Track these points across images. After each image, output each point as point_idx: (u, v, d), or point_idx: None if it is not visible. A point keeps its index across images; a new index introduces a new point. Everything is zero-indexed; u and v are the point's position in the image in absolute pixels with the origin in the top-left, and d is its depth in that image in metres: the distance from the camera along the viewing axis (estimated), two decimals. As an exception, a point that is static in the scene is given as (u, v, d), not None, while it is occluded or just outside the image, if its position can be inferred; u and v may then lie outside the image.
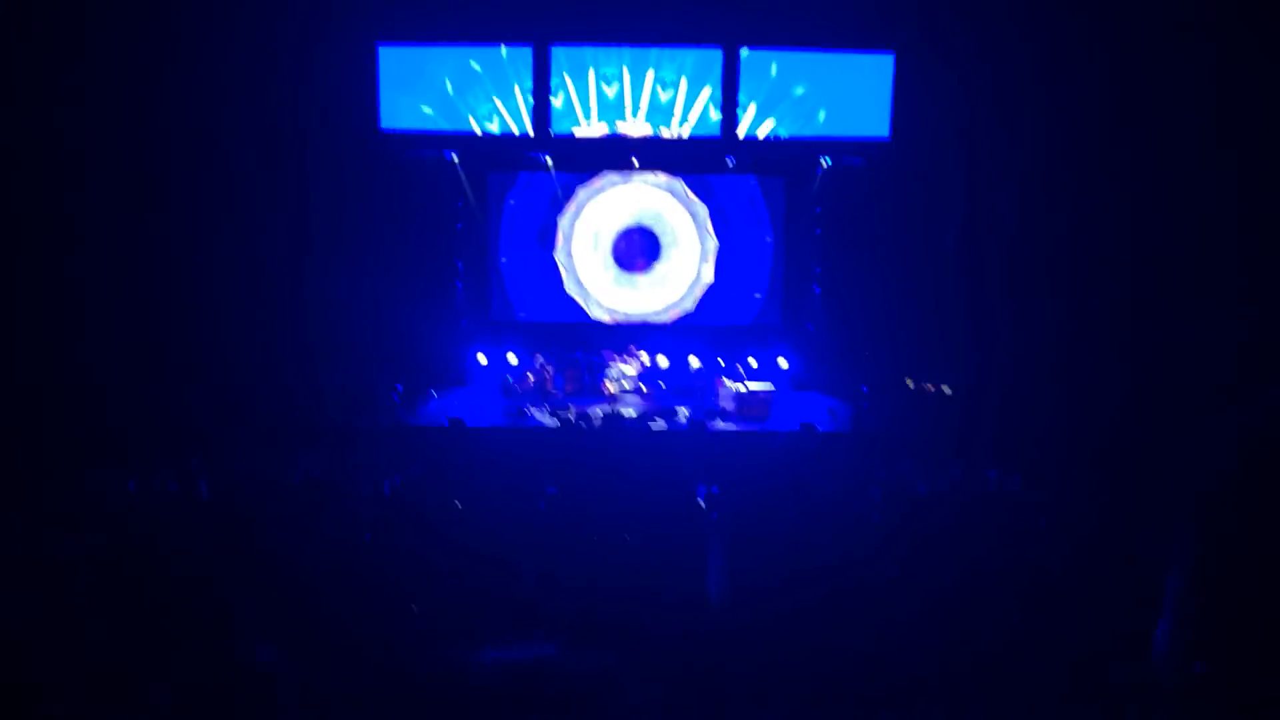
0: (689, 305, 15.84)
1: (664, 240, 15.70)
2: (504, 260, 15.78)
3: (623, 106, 14.34)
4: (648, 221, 15.68)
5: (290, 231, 13.74)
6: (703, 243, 15.67)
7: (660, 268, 15.78)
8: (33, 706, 2.17)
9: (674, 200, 15.61)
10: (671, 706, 3.12)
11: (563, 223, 15.62)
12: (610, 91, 14.29)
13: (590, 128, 14.42)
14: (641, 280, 15.83)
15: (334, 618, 4.38)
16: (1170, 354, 11.50)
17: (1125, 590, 4.07)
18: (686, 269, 15.78)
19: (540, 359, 14.69)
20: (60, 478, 7.42)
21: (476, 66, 14.15)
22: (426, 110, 14.23)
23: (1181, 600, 0.91)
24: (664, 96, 14.28)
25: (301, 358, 13.01)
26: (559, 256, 15.74)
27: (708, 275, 15.77)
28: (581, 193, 15.54)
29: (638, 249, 15.74)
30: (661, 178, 15.49)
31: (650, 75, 14.21)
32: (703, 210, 15.58)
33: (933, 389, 13.21)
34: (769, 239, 15.67)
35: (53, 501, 6.43)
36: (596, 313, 15.86)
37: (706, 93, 14.18)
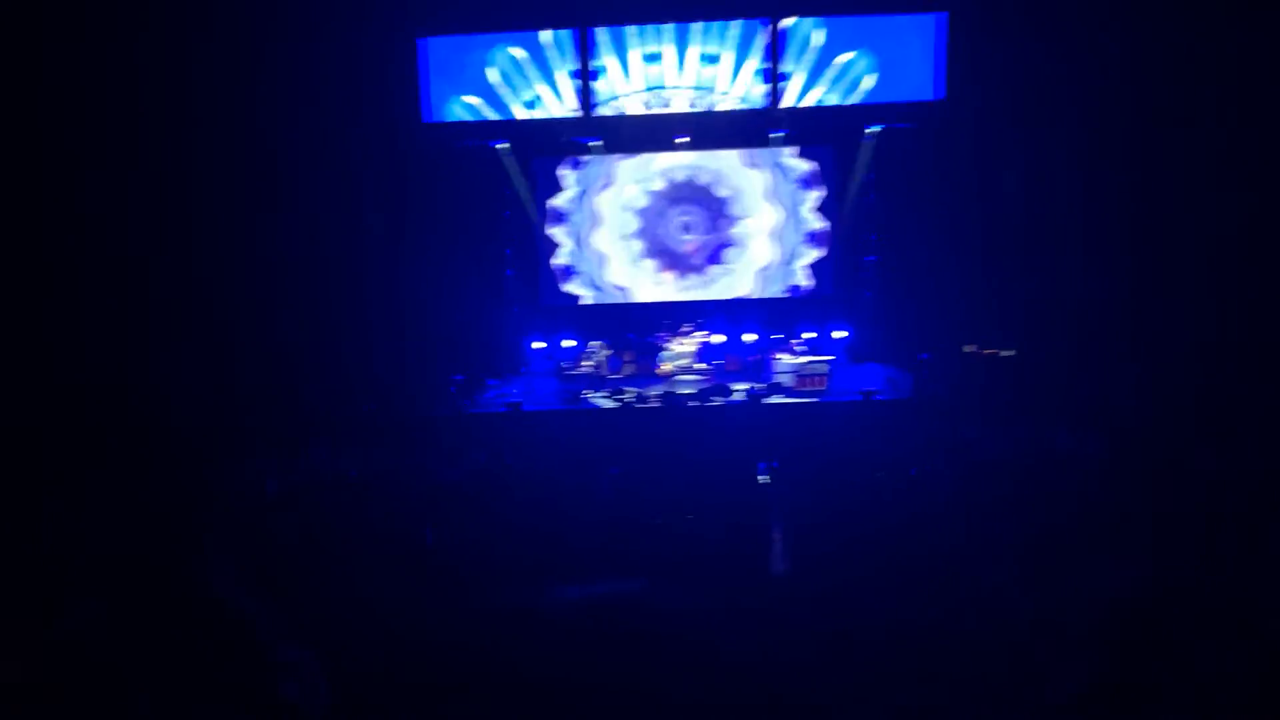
0: (753, 286, 15.71)
1: (733, 209, 15.54)
2: (552, 245, 15.78)
3: (666, 85, 14.25)
4: (705, 179, 15.54)
5: (342, 229, 13.87)
6: (777, 212, 15.54)
7: (735, 242, 15.66)
8: (99, 708, 2.17)
9: (739, 162, 15.50)
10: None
11: (604, 203, 15.57)
12: (654, 71, 14.21)
13: (635, 107, 14.35)
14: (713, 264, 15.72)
15: (397, 613, 4.39)
16: (1242, 311, 11.18)
17: (1203, 546, 3.94)
18: (762, 246, 15.68)
19: (595, 342, 14.72)
20: (128, 478, 7.56)
21: (519, 53, 14.15)
22: (471, 100, 14.27)
23: None
24: (708, 72, 14.16)
25: (359, 353, 13.14)
26: (602, 239, 15.69)
27: (774, 250, 15.64)
28: (624, 169, 15.44)
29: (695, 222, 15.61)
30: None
31: (694, 52, 14.09)
32: (768, 178, 15.41)
33: (993, 353, 13.00)
34: (820, 210, 15.47)
35: (121, 501, 6.54)
36: (649, 293, 15.81)
37: (752, 65, 14.03)
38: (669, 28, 14.02)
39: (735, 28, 13.96)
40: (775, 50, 13.96)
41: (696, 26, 14.00)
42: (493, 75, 14.20)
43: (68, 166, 11.80)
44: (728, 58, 14.07)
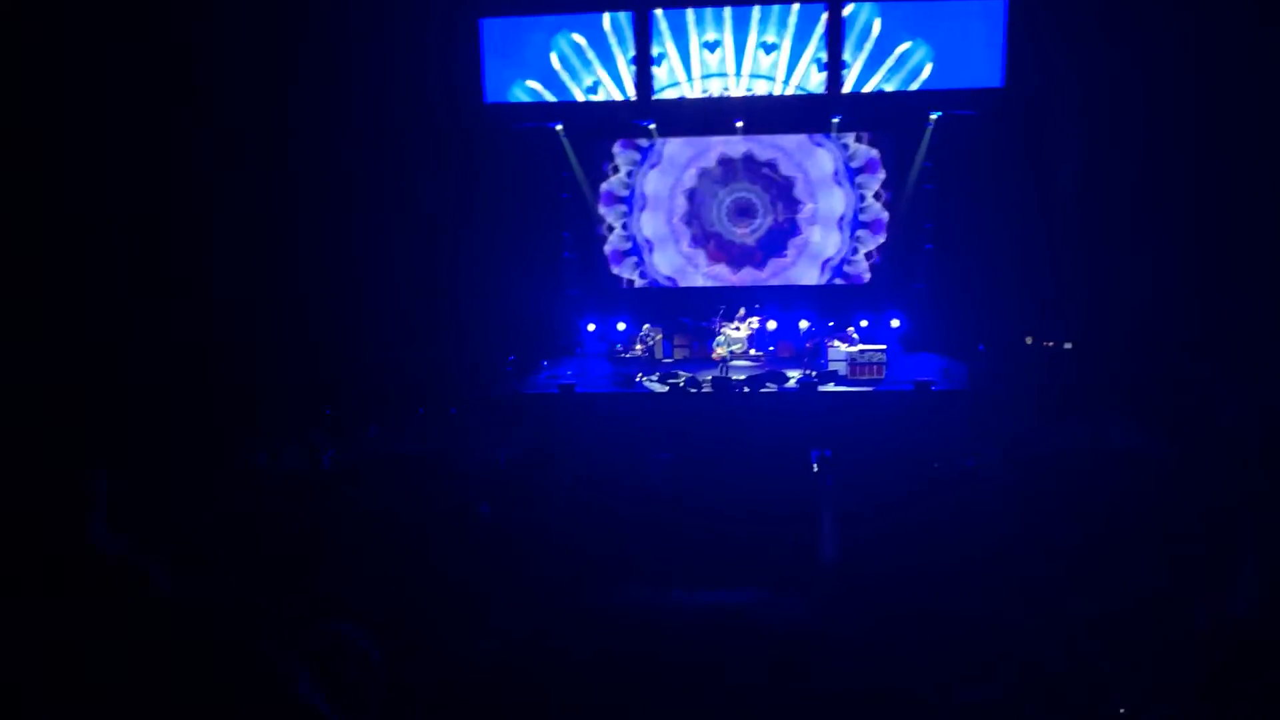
0: (810, 273, 15.64)
1: (798, 192, 15.50)
2: (611, 229, 15.82)
3: (725, 73, 14.20)
4: (766, 155, 15.47)
5: (402, 208, 14.00)
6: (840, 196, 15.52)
7: (797, 228, 15.63)
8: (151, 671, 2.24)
9: (808, 142, 15.42)
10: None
11: (661, 187, 15.56)
12: (713, 59, 14.15)
13: (694, 92, 14.32)
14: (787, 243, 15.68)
15: (450, 582, 4.46)
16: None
17: (1258, 549, 3.89)
18: (822, 231, 15.61)
19: (648, 326, 14.74)
20: (191, 448, 7.75)
21: (578, 36, 14.16)
22: (531, 84, 14.32)
23: None
24: (766, 61, 14.08)
25: (417, 332, 13.30)
26: (659, 224, 15.68)
27: (834, 236, 15.61)
28: (684, 153, 15.40)
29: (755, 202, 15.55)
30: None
31: (753, 40, 14.01)
32: (832, 160, 15.38)
33: (1052, 345, 12.81)
34: (877, 197, 15.35)
35: (185, 470, 6.71)
36: (704, 279, 15.81)
37: (811, 51, 13.91)
38: (728, 16, 13.94)
39: (794, 15, 13.85)
40: (835, 35, 13.82)
41: (756, 15, 13.91)
42: (553, 59, 14.24)
43: (163, 163, 12.14)
44: (787, 45, 13.98)
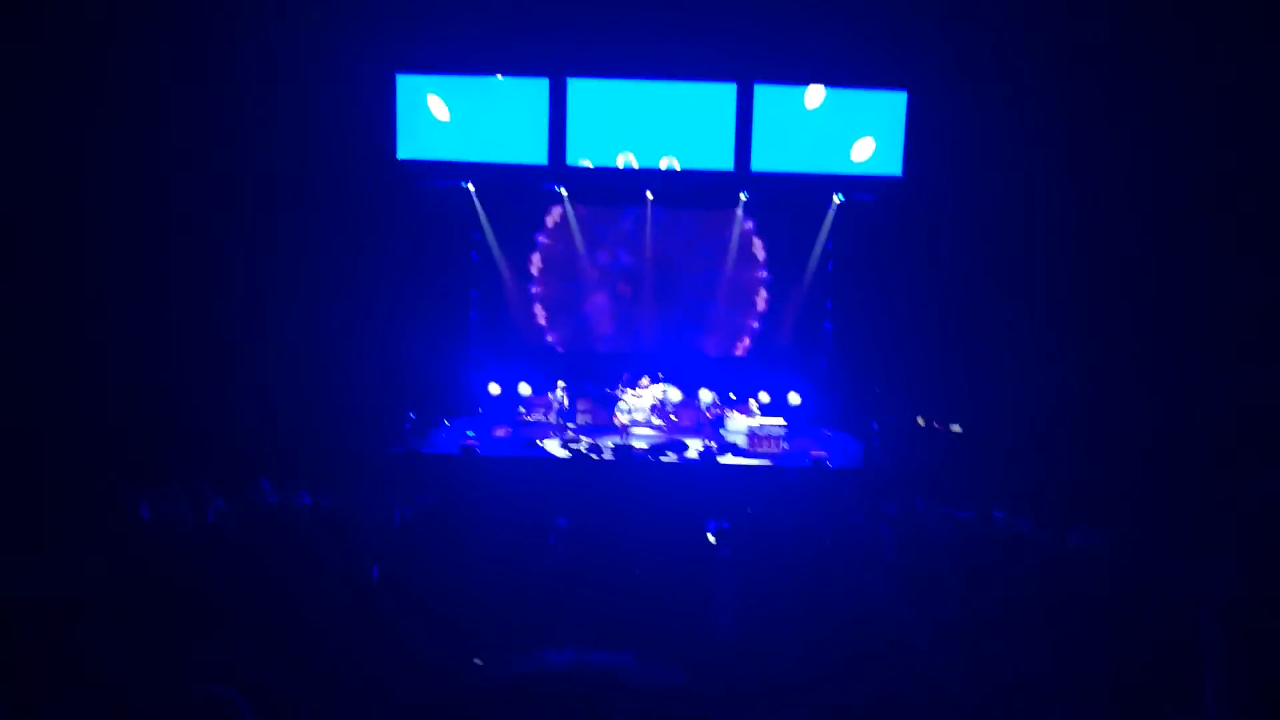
0: (714, 345, 15.88)
1: (700, 263, 15.74)
2: (517, 290, 15.83)
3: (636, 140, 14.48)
4: (676, 235, 15.64)
5: (304, 259, 13.75)
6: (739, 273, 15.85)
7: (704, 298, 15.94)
8: None
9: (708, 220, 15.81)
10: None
11: (569, 252, 15.66)
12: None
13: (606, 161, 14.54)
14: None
15: (336, 649, 4.35)
16: (1191, 397, 11.39)
17: (1144, 635, 4.02)
18: (725, 305, 16.04)
19: (552, 390, 14.70)
20: (73, 498, 7.42)
21: (493, 98, 14.26)
22: (443, 140, 14.33)
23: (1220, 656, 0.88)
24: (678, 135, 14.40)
25: (315, 385, 13.00)
26: (568, 288, 15.74)
27: (737, 311, 15.94)
28: (592, 217, 15.54)
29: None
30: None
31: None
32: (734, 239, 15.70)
33: (943, 427, 13.16)
34: (780, 275, 15.69)
35: (66, 521, 6.42)
36: (609, 345, 15.89)
37: (720, 128, 14.25)
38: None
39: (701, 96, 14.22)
40: (745, 115, 14.19)
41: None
42: (467, 117, 14.29)
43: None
44: (696, 125, 14.33)
